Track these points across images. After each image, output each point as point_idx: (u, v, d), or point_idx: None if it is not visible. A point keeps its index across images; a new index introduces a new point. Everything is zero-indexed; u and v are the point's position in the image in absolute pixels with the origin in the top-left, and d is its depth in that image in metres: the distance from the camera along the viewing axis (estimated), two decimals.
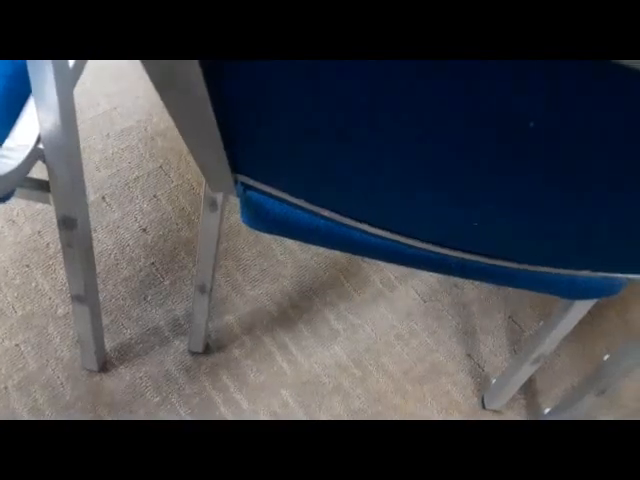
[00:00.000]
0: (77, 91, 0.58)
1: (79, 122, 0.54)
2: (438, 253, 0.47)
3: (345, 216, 0.42)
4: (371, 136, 0.28)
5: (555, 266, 0.45)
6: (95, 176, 0.95)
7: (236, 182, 0.45)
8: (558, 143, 0.22)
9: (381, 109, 0.25)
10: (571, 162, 0.24)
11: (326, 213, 0.43)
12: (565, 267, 0.43)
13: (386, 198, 0.36)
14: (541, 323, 0.77)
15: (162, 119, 1.03)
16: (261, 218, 0.54)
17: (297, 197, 0.42)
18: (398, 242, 0.46)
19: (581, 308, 0.66)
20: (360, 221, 0.42)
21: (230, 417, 0.82)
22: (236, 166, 0.39)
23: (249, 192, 0.51)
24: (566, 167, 0.24)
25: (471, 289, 0.96)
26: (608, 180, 0.25)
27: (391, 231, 0.43)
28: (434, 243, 0.44)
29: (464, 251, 0.44)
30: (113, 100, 1.02)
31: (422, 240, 0.43)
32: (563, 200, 0.29)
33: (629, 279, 0.50)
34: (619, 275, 0.46)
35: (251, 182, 0.43)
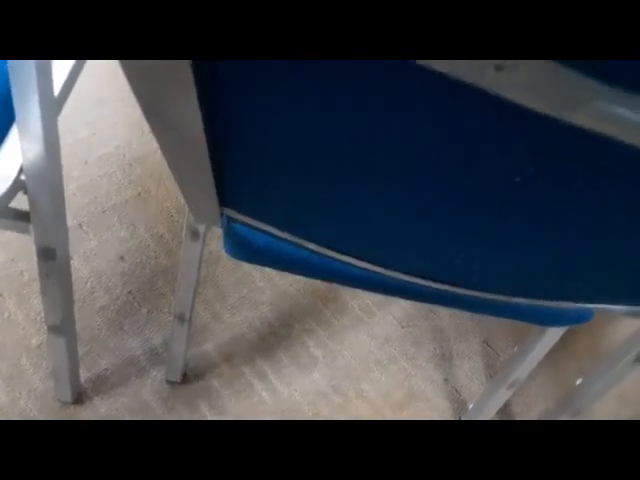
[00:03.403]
0: None
1: None
2: (418, 284, 0.48)
3: (329, 249, 0.43)
4: (358, 175, 0.29)
5: (528, 297, 0.47)
6: (72, 203, 0.94)
7: (221, 214, 0.46)
8: (536, 192, 0.24)
9: (369, 150, 0.26)
10: (547, 208, 0.25)
11: (311, 246, 0.44)
12: (537, 298, 0.45)
13: (372, 233, 0.37)
14: (515, 348, 0.79)
15: (141, 145, 1.03)
16: (244, 249, 0.55)
17: (282, 231, 0.43)
18: (380, 274, 0.47)
19: (554, 334, 0.68)
20: (344, 254, 0.43)
21: None
22: (223, 199, 0.40)
23: (233, 224, 0.51)
24: (542, 213, 0.26)
25: (447, 314, 0.97)
26: (577, 227, 0.26)
27: (374, 263, 0.44)
28: (415, 275, 0.45)
29: (445, 283, 0.46)
30: (92, 127, 1.02)
31: (404, 272, 0.45)
32: (538, 240, 0.31)
33: (599, 309, 0.52)
34: (589, 305, 0.48)
35: (236, 215, 0.44)
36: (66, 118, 1.02)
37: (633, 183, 0.22)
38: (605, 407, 0.93)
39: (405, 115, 0.21)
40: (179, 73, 0.22)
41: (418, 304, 0.96)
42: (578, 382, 0.75)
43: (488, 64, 0.16)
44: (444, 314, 0.97)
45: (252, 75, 0.22)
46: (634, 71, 0.16)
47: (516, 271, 0.40)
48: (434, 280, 0.47)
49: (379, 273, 0.48)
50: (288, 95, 0.22)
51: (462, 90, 0.17)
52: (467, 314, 0.97)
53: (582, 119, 0.18)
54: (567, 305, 0.51)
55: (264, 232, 0.47)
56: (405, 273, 0.46)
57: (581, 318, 0.56)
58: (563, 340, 0.98)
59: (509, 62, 0.15)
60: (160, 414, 0.81)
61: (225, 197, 0.38)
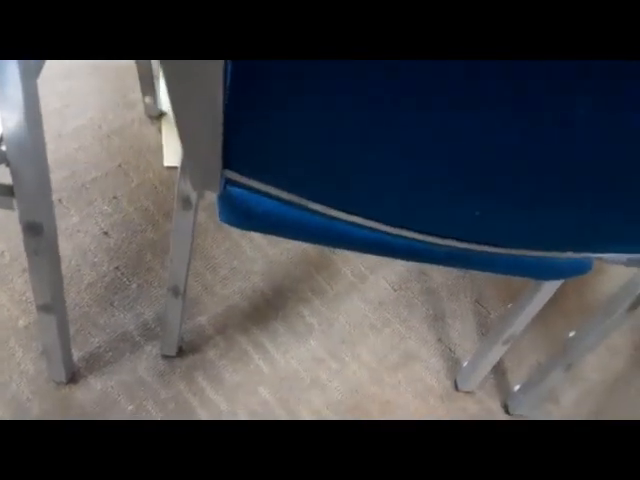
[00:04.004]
0: None
1: None
2: (426, 242, 0.47)
3: (336, 209, 0.42)
4: (366, 130, 0.28)
5: (534, 249, 0.47)
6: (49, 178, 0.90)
7: (220, 178, 0.44)
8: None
9: (380, 122, 0.25)
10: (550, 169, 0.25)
11: (316, 207, 0.43)
12: (538, 249, 0.45)
13: (381, 191, 0.36)
14: (509, 305, 0.80)
15: (117, 117, 0.99)
16: (242, 215, 0.53)
17: (288, 191, 0.41)
18: (387, 233, 0.47)
19: (550, 289, 0.69)
20: (351, 213, 0.42)
21: (208, 419, 0.80)
22: (228, 160, 0.38)
23: (231, 188, 0.50)
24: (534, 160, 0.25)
25: (438, 275, 0.98)
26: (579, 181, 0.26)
27: (381, 222, 0.43)
28: (424, 232, 0.44)
29: (453, 239, 0.45)
30: (63, 98, 0.97)
31: (413, 230, 0.44)
32: (543, 192, 0.31)
33: (598, 258, 0.53)
34: (590, 255, 0.48)
35: (238, 177, 0.42)
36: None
37: None
38: (595, 359, 0.95)
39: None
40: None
41: (409, 264, 0.96)
42: (571, 334, 0.76)
43: None
44: (436, 275, 0.98)
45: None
46: None
47: (517, 222, 0.40)
48: (438, 236, 0.47)
49: (383, 232, 0.47)
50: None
51: None
52: (457, 271, 0.98)
53: None
54: (568, 255, 0.51)
55: (267, 195, 0.46)
56: (414, 231, 0.45)
57: (580, 269, 0.57)
58: (552, 297, 1.00)
59: None
60: (157, 389, 0.80)
61: (231, 158, 0.37)
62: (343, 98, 0.27)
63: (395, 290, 0.95)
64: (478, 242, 0.44)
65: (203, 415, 0.80)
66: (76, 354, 0.79)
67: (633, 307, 0.68)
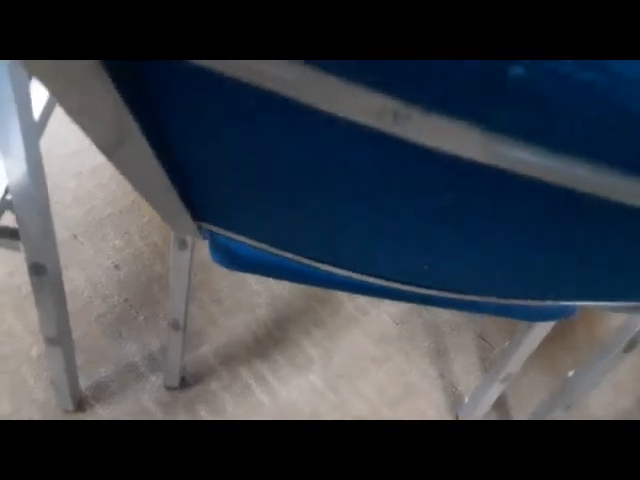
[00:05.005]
0: (46, 131, 0.59)
1: (49, 161, 0.55)
2: (399, 289, 0.49)
3: (304, 258, 0.44)
4: (318, 194, 0.30)
5: (507, 298, 0.48)
6: (67, 214, 0.96)
7: (199, 228, 0.47)
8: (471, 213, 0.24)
9: (324, 173, 0.27)
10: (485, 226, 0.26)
11: (287, 255, 0.45)
12: (516, 299, 0.46)
13: (336, 244, 0.38)
14: (507, 343, 0.79)
15: None
16: (230, 258, 0.56)
17: (258, 241, 0.43)
18: (360, 280, 0.48)
19: (542, 328, 0.69)
20: (319, 262, 0.44)
21: None
22: (195, 214, 0.40)
23: (215, 236, 0.52)
24: (485, 230, 0.27)
25: (442, 311, 0.98)
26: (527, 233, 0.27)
27: (350, 270, 0.45)
28: (394, 281, 0.46)
29: (421, 287, 0.46)
30: (83, 139, 1.03)
31: (383, 279, 0.46)
32: (499, 242, 0.32)
33: (582, 305, 0.53)
34: (568, 303, 0.49)
35: (213, 228, 0.45)
36: (56, 132, 1.03)
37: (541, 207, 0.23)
38: (600, 397, 0.93)
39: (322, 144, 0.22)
40: (112, 106, 0.23)
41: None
42: (570, 374, 0.76)
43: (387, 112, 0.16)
44: (438, 310, 0.98)
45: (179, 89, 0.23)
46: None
47: (491, 277, 0.41)
48: (413, 285, 0.48)
49: (358, 280, 0.49)
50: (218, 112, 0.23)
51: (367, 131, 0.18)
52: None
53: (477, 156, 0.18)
54: (549, 304, 0.51)
55: (244, 243, 0.48)
56: (384, 279, 0.47)
57: (565, 313, 0.57)
58: (560, 332, 0.99)
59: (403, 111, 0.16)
60: (159, 419, 0.82)
61: (196, 212, 0.39)
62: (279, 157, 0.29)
63: (397, 324, 0.96)
64: (441, 289, 0.45)
65: None
66: (84, 383, 0.83)
67: (629, 348, 0.67)
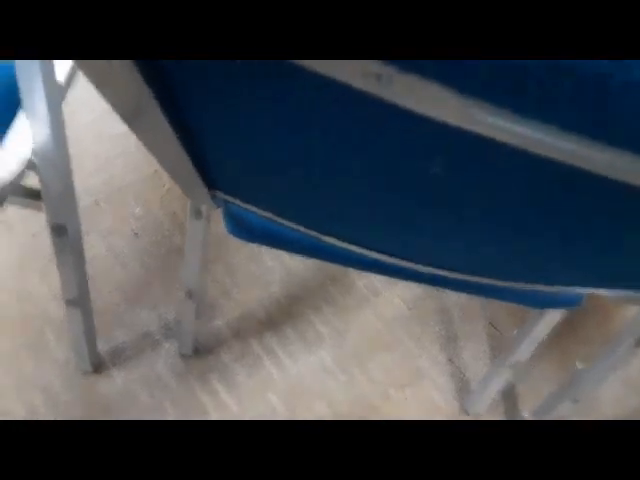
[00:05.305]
0: (71, 96, 0.60)
1: (74, 127, 0.56)
2: (408, 267, 0.49)
3: (314, 231, 0.45)
4: (313, 170, 0.31)
5: (517, 281, 0.48)
6: (89, 181, 0.98)
7: (214, 196, 0.48)
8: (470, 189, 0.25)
9: (309, 154, 0.28)
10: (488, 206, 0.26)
11: (297, 227, 0.46)
12: (524, 282, 0.46)
13: (343, 219, 0.38)
14: (515, 331, 0.79)
15: None
16: (243, 229, 0.57)
17: (269, 212, 0.44)
18: (369, 256, 0.49)
19: (553, 316, 0.68)
20: (327, 235, 0.45)
21: (219, 419, 0.84)
22: (209, 183, 0.41)
23: (229, 205, 0.53)
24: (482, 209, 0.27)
25: (453, 295, 0.98)
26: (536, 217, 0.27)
27: (357, 246, 0.45)
28: (404, 259, 0.46)
29: (432, 266, 0.47)
30: (108, 105, 1.05)
31: (392, 255, 0.46)
32: (506, 235, 0.32)
33: (588, 293, 0.52)
34: (573, 289, 0.49)
35: (227, 197, 0.46)
36: (82, 97, 1.05)
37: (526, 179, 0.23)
38: (609, 392, 0.92)
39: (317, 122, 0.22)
40: (132, 82, 0.23)
41: (422, 285, 0.97)
42: (579, 366, 0.75)
43: (370, 73, 0.17)
44: (450, 295, 0.98)
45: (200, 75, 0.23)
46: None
47: (501, 259, 0.41)
48: (421, 264, 0.48)
49: (367, 256, 0.49)
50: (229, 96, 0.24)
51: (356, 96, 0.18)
52: (470, 295, 0.97)
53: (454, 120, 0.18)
54: (556, 289, 0.51)
55: (256, 213, 0.49)
56: (394, 257, 0.47)
57: (572, 302, 0.56)
58: (573, 325, 0.98)
59: (385, 72, 0.16)
60: (173, 387, 0.85)
61: (211, 181, 0.40)
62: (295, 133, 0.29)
63: (409, 308, 0.96)
64: (450, 270, 0.45)
65: (214, 415, 0.84)
66: (102, 347, 0.86)
67: (639, 344, 0.66)
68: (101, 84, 0.26)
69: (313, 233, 0.45)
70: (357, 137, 0.23)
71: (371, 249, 0.45)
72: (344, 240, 0.44)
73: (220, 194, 0.45)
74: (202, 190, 0.42)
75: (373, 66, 0.16)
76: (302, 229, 0.45)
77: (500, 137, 0.19)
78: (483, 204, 0.26)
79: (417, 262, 0.45)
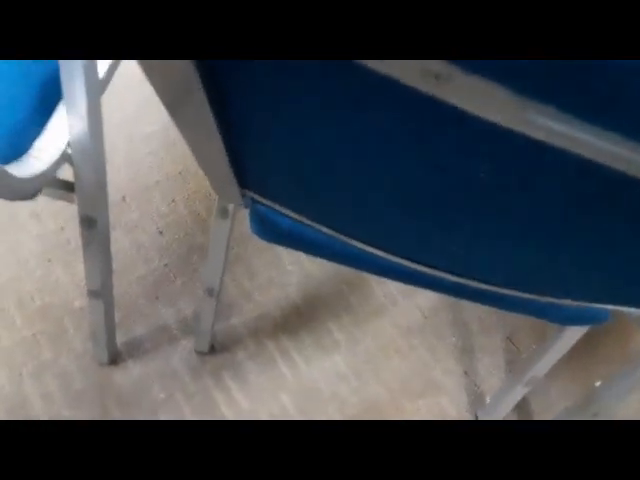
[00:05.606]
0: (105, 94, 0.62)
1: (105, 124, 0.58)
2: (432, 275, 0.49)
3: (340, 233, 0.46)
4: (355, 171, 0.31)
5: (537, 294, 0.48)
6: (117, 177, 1.00)
7: (244, 195, 0.49)
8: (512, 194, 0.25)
9: (348, 150, 0.28)
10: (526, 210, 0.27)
11: (325, 230, 0.46)
12: (545, 295, 0.46)
13: (372, 221, 0.39)
14: (534, 347, 0.78)
15: None
16: (268, 230, 0.58)
17: (297, 213, 0.45)
18: (394, 262, 0.49)
19: (574, 334, 0.68)
20: (354, 239, 0.45)
21: (231, 417, 0.85)
22: (242, 181, 0.42)
23: (257, 205, 0.54)
24: (522, 215, 0.27)
25: (471, 307, 0.98)
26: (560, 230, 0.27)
27: (384, 251, 0.46)
28: (425, 265, 0.46)
29: (456, 275, 0.47)
30: (140, 105, 1.07)
31: (415, 262, 0.46)
32: (539, 242, 0.32)
33: (614, 310, 0.52)
34: (600, 306, 0.48)
35: (257, 197, 0.47)
36: (116, 95, 1.07)
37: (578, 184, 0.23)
38: (626, 412, 0.91)
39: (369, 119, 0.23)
40: (183, 72, 0.24)
41: (440, 295, 0.97)
42: (597, 384, 0.74)
43: (429, 73, 0.17)
44: (468, 307, 0.98)
45: (250, 74, 0.24)
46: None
47: (535, 269, 0.41)
48: (446, 272, 0.48)
49: (391, 261, 0.50)
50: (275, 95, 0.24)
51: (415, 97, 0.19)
52: (489, 308, 0.97)
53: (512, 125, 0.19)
54: (582, 304, 0.51)
55: (283, 214, 0.50)
56: (416, 262, 0.47)
57: (598, 318, 0.56)
58: (593, 344, 0.97)
59: (444, 72, 0.17)
60: (187, 382, 0.86)
61: (243, 180, 0.41)
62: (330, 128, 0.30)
63: (426, 317, 0.96)
64: (475, 279, 0.45)
65: (226, 412, 0.85)
66: (120, 339, 0.87)
67: None
68: (151, 71, 0.27)
69: (342, 237, 0.45)
70: (408, 136, 0.24)
71: (400, 255, 0.45)
72: (375, 246, 0.45)
73: (251, 194, 0.46)
74: (234, 188, 0.43)
75: (433, 65, 0.17)
76: (332, 233, 0.45)
77: (556, 142, 0.19)
78: (528, 210, 0.27)
79: (446, 270, 0.45)
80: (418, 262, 0.46)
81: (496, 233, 0.32)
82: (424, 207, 0.31)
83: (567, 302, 0.49)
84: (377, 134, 0.24)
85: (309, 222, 0.46)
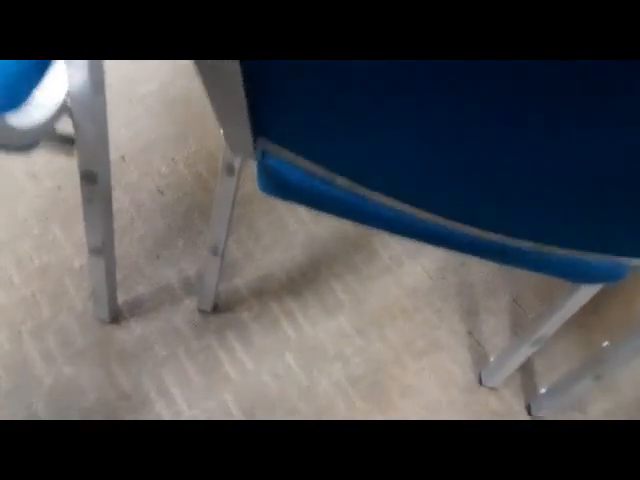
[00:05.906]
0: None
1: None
2: (448, 228, 0.48)
3: (358, 183, 0.44)
4: (381, 110, 0.29)
5: (561, 245, 0.47)
6: (116, 136, 0.96)
7: (255, 148, 0.47)
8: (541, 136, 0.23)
9: (383, 91, 0.26)
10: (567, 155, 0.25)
11: (340, 181, 0.45)
12: (569, 247, 0.45)
13: (397, 168, 0.37)
14: (543, 306, 0.78)
15: (184, 84, 1.04)
16: (277, 185, 0.56)
17: (313, 161, 0.43)
18: (410, 215, 0.48)
19: (585, 293, 0.67)
20: (374, 190, 0.44)
21: (234, 376, 0.85)
22: (258, 127, 0.40)
23: (267, 158, 0.52)
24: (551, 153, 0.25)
25: (478, 269, 0.97)
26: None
27: (403, 202, 0.44)
28: (445, 216, 0.45)
29: (474, 226, 0.45)
30: (136, 64, 1.03)
31: (434, 213, 0.45)
32: (562, 185, 0.30)
33: (632, 266, 0.51)
34: (623, 259, 0.47)
35: (270, 146, 0.45)
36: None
37: None
38: (632, 374, 0.92)
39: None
40: None
41: (449, 255, 0.96)
42: (604, 344, 0.74)
43: None
44: (475, 269, 0.97)
45: None
46: None
47: (547, 217, 0.40)
48: (465, 223, 0.47)
49: (409, 214, 0.48)
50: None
51: None
52: (497, 267, 0.96)
53: None
54: (600, 258, 0.50)
55: (297, 166, 0.48)
56: (435, 214, 0.46)
57: (614, 275, 0.55)
58: (596, 305, 0.97)
59: None
60: (190, 340, 0.85)
61: (259, 125, 0.39)
62: (359, 81, 0.28)
63: (431, 279, 0.95)
64: (496, 231, 0.44)
65: (230, 371, 0.84)
66: (121, 298, 0.86)
67: None
68: None
69: (358, 188, 0.43)
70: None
71: (420, 207, 0.44)
72: (394, 195, 0.43)
73: (264, 143, 0.44)
74: (247, 138, 0.41)
75: None
76: (348, 183, 0.43)
77: None
78: (570, 160, 0.25)
79: (469, 223, 0.44)
80: (440, 214, 0.44)
81: (542, 183, 0.30)
82: (471, 157, 0.29)
83: (590, 256, 0.48)
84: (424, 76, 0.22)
85: (324, 173, 0.45)
